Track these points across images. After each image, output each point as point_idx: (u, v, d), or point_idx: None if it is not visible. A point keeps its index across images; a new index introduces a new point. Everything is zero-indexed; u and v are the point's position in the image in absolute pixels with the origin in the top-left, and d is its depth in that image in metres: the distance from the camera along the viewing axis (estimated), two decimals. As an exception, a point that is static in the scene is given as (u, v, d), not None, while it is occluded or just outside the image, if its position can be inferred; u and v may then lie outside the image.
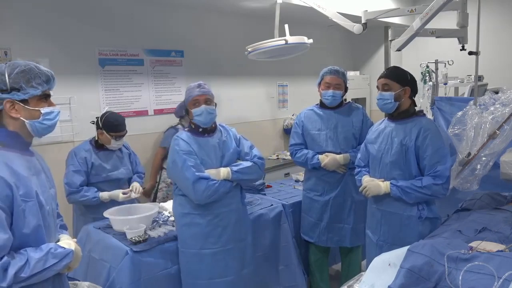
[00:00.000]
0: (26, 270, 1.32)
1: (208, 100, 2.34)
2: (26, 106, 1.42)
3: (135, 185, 2.92)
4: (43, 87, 1.44)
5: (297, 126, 2.99)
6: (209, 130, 2.41)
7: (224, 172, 2.32)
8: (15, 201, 1.33)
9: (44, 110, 1.45)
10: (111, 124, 2.77)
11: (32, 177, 1.43)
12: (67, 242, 1.53)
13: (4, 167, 1.34)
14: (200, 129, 2.38)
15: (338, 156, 2.80)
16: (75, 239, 1.63)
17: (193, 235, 2.34)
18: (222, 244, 2.35)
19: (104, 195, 2.76)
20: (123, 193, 2.79)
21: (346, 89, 2.90)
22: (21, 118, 1.41)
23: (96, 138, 2.86)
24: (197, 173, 2.24)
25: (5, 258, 1.28)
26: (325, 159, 2.81)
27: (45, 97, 1.47)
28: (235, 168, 2.35)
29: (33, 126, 1.44)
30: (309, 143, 2.94)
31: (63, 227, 1.73)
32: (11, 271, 1.28)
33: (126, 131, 2.87)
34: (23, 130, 1.44)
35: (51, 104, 1.49)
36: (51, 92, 1.51)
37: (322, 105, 2.94)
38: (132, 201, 2.89)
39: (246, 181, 2.47)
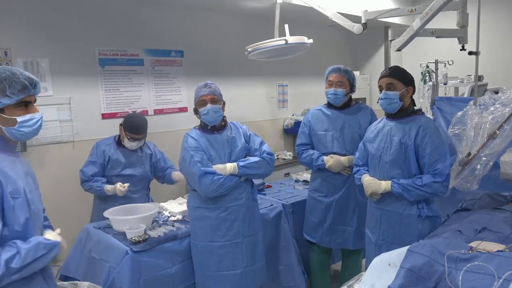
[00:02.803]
0: (17, 260, 1.33)
1: (214, 99, 2.41)
2: (1, 114, 1.41)
3: None
4: (17, 96, 1.42)
5: (304, 126, 2.96)
6: (218, 127, 2.48)
7: (230, 167, 2.38)
8: (5, 197, 1.35)
9: (20, 118, 1.44)
10: (129, 125, 2.87)
11: (19, 176, 1.44)
12: (52, 235, 1.55)
13: None
14: (209, 127, 2.46)
15: (342, 158, 2.77)
16: (59, 230, 1.62)
17: (203, 228, 2.41)
18: (230, 237, 2.40)
19: (108, 187, 2.80)
20: (120, 185, 2.78)
21: (352, 88, 2.86)
22: None
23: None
24: (202, 168, 2.32)
25: None
26: (330, 160, 2.78)
27: (24, 104, 1.45)
28: (242, 163, 2.41)
29: (10, 133, 1.45)
30: (315, 144, 2.91)
31: (49, 227, 1.71)
32: (3, 258, 1.29)
33: (145, 136, 2.93)
34: (5, 134, 1.45)
35: (33, 111, 1.47)
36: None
37: (330, 105, 2.91)
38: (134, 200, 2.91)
39: (254, 176, 2.52)
